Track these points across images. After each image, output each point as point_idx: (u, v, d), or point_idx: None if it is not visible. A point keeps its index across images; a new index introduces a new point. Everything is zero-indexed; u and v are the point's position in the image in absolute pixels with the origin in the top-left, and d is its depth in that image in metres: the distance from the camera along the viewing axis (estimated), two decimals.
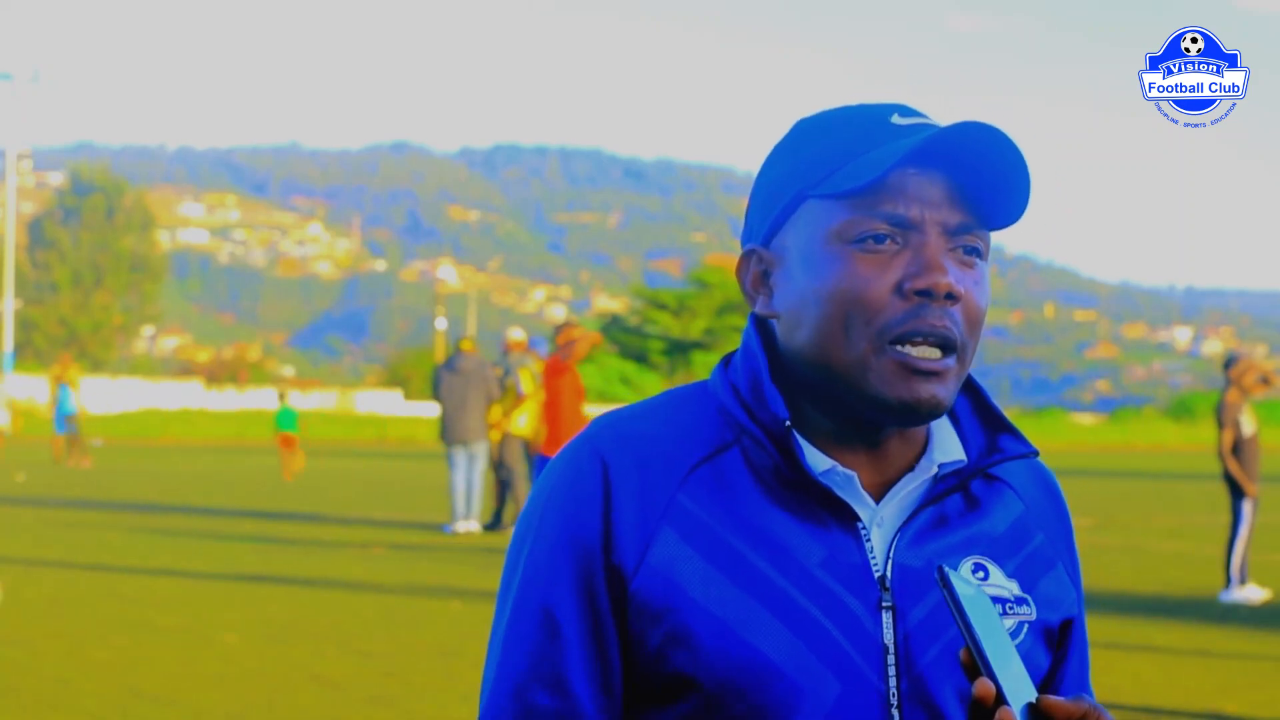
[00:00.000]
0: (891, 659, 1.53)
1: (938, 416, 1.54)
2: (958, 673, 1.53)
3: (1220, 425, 12.42)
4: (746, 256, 1.62)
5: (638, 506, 1.54)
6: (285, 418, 28.41)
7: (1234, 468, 12.34)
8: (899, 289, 1.52)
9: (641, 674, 1.55)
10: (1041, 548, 1.64)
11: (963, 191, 1.54)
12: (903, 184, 1.52)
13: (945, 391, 1.53)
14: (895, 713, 1.52)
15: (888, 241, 1.52)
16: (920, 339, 1.51)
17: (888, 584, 1.54)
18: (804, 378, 1.57)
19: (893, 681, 1.52)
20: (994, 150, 1.51)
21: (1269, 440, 18.02)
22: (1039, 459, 1.71)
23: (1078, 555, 1.71)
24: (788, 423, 1.55)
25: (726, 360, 1.65)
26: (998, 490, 1.65)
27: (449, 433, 16.60)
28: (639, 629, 1.53)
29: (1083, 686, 1.71)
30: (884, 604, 1.54)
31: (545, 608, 1.56)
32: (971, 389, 1.66)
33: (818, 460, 1.56)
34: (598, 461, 1.56)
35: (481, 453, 16.75)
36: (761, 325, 1.64)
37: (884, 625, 1.53)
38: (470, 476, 16.82)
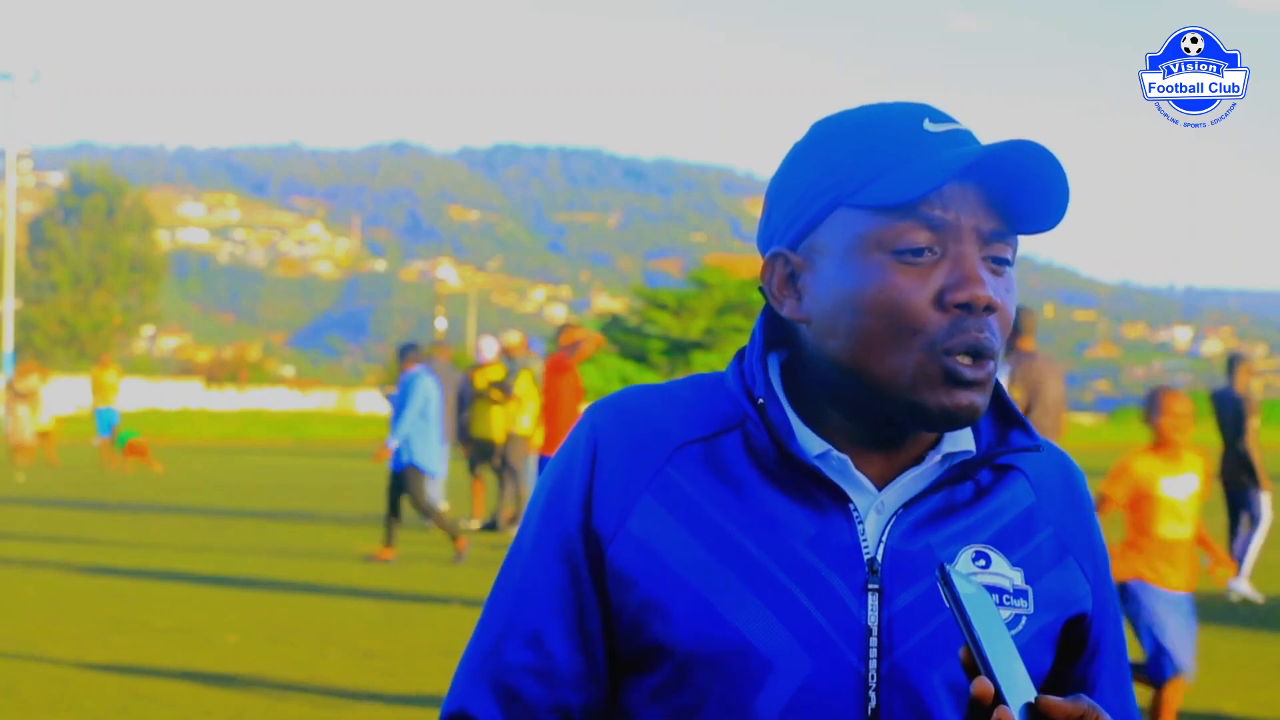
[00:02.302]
0: (874, 641, 1.52)
1: (972, 424, 1.55)
2: (943, 659, 1.53)
3: (1246, 415, 12.45)
4: (772, 259, 1.61)
5: (622, 475, 1.57)
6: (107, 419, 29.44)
7: (1259, 460, 12.47)
8: (939, 301, 1.52)
9: (622, 642, 1.57)
10: (1049, 540, 1.63)
11: (1000, 202, 1.54)
12: (942, 193, 1.52)
13: (982, 401, 1.54)
14: (872, 694, 1.52)
15: (925, 253, 1.52)
16: (963, 352, 1.52)
17: (877, 566, 1.54)
18: (831, 380, 1.57)
19: (873, 664, 1.52)
20: (1037, 167, 1.52)
21: (1268, 440, 17.97)
22: (1066, 453, 1.71)
23: (1102, 551, 1.69)
24: (760, 400, 1.57)
25: (743, 352, 1.67)
26: (1010, 480, 1.64)
27: None
28: (618, 596, 1.56)
29: (1119, 688, 1.69)
30: (870, 586, 1.53)
31: (527, 569, 1.60)
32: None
33: (812, 444, 1.57)
34: (592, 434, 1.60)
35: (448, 453, 17.07)
36: (771, 319, 1.65)
37: (869, 607, 1.53)
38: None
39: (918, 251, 1.52)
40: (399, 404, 13.69)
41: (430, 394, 13.76)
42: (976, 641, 1.38)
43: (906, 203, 1.51)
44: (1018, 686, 1.38)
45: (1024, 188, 1.53)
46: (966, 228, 1.53)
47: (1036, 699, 1.39)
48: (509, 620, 1.60)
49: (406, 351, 14.20)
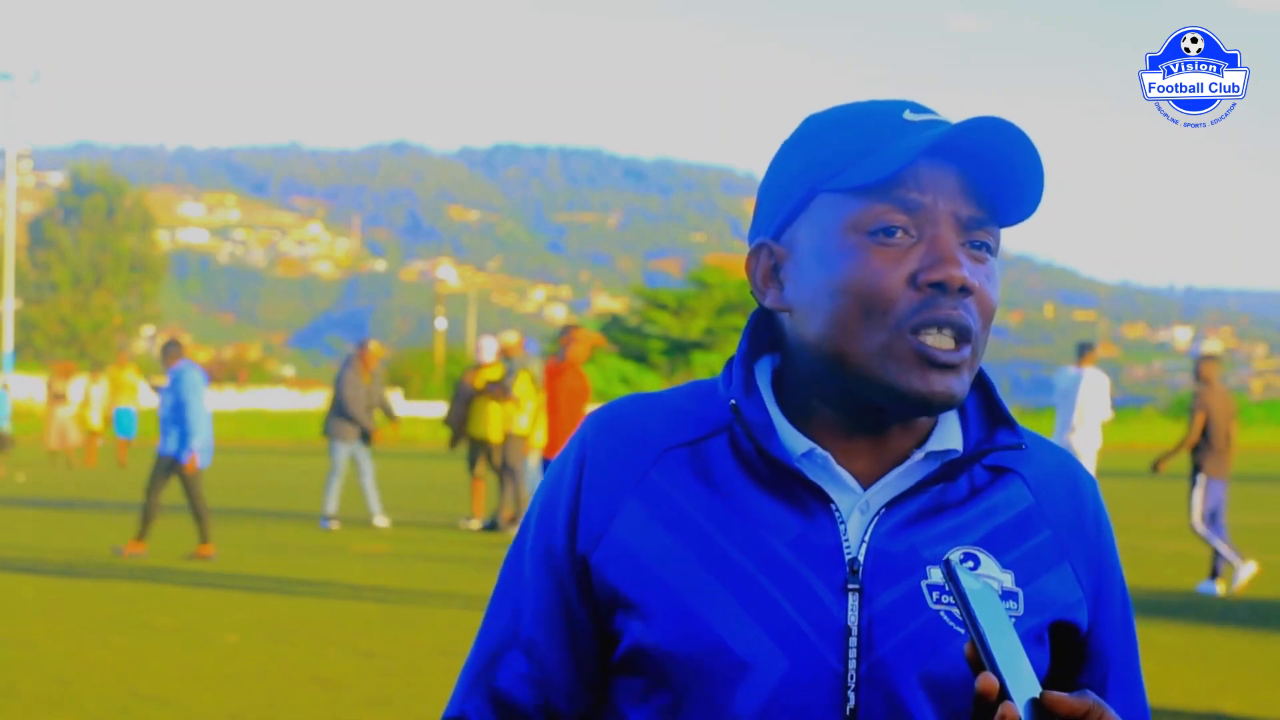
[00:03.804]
0: (854, 641, 1.52)
1: (951, 408, 1.55)
2: (922, 659, 1.53)
3: (1236, 411, 12.94)
4: (756, 250, 1.63)
5: (608, 482, 1.59)
6: None
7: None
8: (913, 280, 1.52)
9: (609, 645, 1.60)
10: (1046, 544, 1.62)
11: (976, 185, 1.55)
12: (917, 176, 1.53)
13: (960, 385, 1.54)
14: (851, 694, 1.52)
15: (899, 234, 1.53)
16: (936, 327, 1.52)
17: (857, 566, 1.54)
18: (814, 369, 1.58)
19: (852, 664, 1.52)
20: (1009, 145, 1.52)
21: (1269, 439, 18.09)
22: (1079, 462, 1.70)
23: (1108, 563, 1.68)
24: (733, 401, 1.58)
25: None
26: (1006, 482, 1.63)
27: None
28: (603, 600, 1.58)
29: (1132, 703, 1.67)
30: (850, 586, 1.53)
31: (520, 581, 1.65)
32: (981, 384, 1.66)
33: (796, 442, 1.58)
34: (581, 445, 1.63)
35: (336, 451, 17.61)
36: (760, 321, 1.67)
37: (849, 607, 1.53)
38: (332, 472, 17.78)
39: (890, 231, 1.52)
40: (176, 399, 13.90)
41: (197, 387, 14.01)
42: (981, 636, 1.37)
43: (879, 181, 1.52)
44: (1023, 682, 1.38)
45: (998, 169, 1.53)
46: (943, 211, 1.53)
47: (1041, 694, 1.39)
48: (504, 630, 1.65)
49: (170, 348, 14.57)
